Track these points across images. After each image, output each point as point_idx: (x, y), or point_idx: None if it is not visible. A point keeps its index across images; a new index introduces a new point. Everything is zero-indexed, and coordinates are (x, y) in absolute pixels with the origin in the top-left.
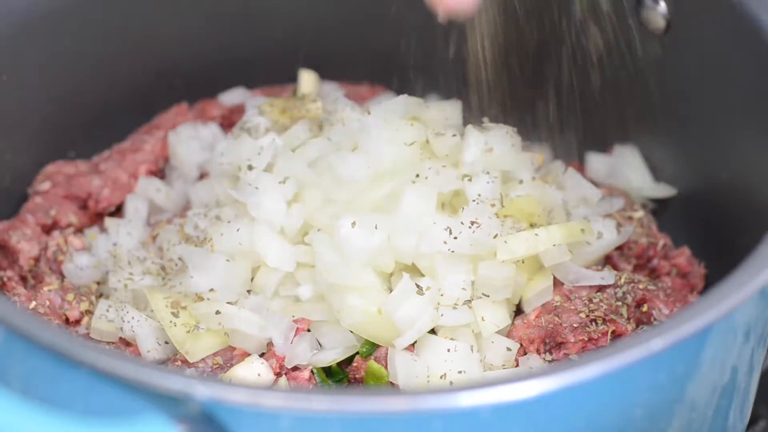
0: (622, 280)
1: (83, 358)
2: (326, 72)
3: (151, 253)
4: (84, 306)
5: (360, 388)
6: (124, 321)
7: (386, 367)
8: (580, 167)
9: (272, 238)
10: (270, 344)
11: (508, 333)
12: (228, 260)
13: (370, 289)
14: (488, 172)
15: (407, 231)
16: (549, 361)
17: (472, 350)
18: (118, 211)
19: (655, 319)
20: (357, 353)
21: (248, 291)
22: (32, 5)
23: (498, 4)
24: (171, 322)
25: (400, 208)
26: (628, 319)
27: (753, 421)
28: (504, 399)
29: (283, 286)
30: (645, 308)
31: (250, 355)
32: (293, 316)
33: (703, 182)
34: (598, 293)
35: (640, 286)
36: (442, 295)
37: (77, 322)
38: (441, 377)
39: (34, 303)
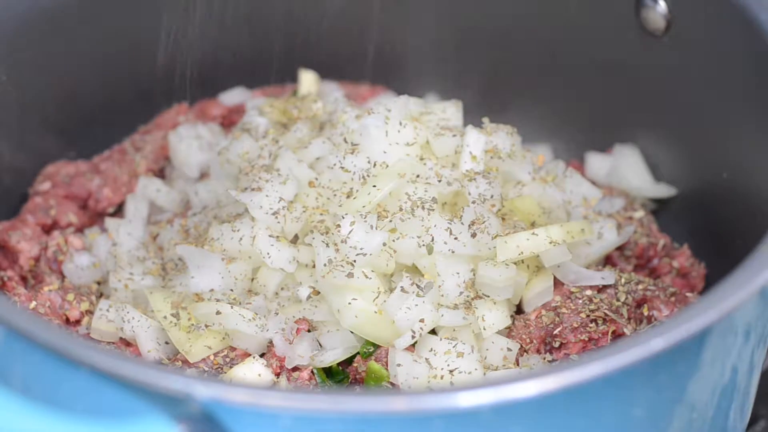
0: (623, 281)
1: (83, 358)
2: (326, 72)
3: (151, 253)
4: (84, 306)
5: (360, 388)
6: (124, 321)
7: (386, 367)
8: (580, 167)
9: (272, 238)
10: (270, 344)
11: (508, 333)
12: (228, 260)
13: (370, 289)
14: (488, 173)
15: (407, 231)
16: (549, 361)
17: (472, 350)
18: (118, 211)
19: (655, 320)
20: (357, 353)
21: (249, 291)
22: (32, 5)
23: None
24: (171, 322)
25: (400, 209)
26: (629, 319)
27: (753, 421)
28: (504, 399)
29: (284, 286)
30: (645, 308)
31: (250, 355)
32: (293, 317)
33: (703, 182)
34: (599, 293)
35: (641, 287)
36: (442, 295)
37: (77, 322)
38: (441, 377)
39: (34, 303)
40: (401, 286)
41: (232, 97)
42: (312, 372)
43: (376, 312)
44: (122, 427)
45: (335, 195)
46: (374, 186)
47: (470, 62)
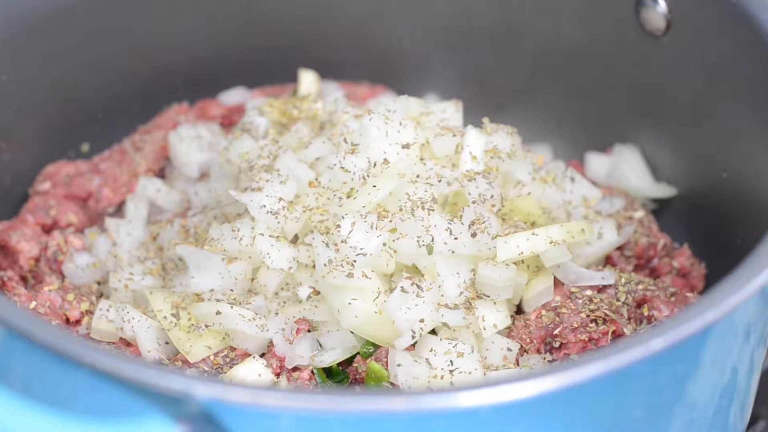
0: (623, 281)
1: (83, 358)
2: (326, 72)
3: (151, 253)
4: (84, 306)
5: (360, 388)
6: (124, 321)
7: (386, 367)
8: (580, 167)
9: (272, 238)
10: (270, 344)
11: (508, 333)
12: (228, 261)
13: (370, 289)
14: (488, 173)
15: (407, 231)
16: (549, 361)
17: (472, 350)
18: (118, 211)
19: (655, 320)
20: (357, 353)
21: (249, 291)
22: (32, 5)
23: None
24: (171, 322)
25: (400, 209)
26: (629, 319)
27: (753, 421)
28: (504, 399)
29: (284, 286)
30: (645, 308)
31: (250, 355)
32: (293, 317)
33: (703, 182)
34: (599, 293)
35: (641, 287)
36: (442, 295)
37: (77, 322)
38: (441, 377)
39: (34, 303)
40: (401, 287)
41: (232, 97)
42: (312, 372)
43: (376, 312)
44: (122, 427)
45: (335, 195)
46: (374, 186)
47: (470, 62)
